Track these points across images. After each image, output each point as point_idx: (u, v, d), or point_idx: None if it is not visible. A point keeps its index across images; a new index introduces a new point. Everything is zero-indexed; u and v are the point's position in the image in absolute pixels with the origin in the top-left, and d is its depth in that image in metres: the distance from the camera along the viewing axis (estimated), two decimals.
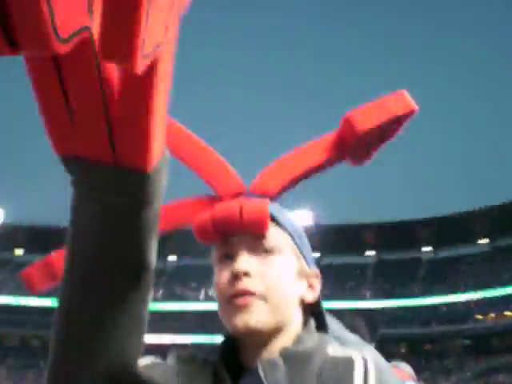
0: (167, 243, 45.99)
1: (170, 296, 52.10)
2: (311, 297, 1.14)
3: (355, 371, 0.99)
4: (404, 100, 1.20)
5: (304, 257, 1.15)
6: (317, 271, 1.17)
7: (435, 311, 49.21)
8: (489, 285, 47.39)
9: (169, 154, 0.81)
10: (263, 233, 1.09)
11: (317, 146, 1.20)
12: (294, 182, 1.20)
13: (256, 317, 1.04)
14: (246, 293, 1.05)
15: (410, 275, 53.08)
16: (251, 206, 1.09)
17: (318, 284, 1.16)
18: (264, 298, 1.05)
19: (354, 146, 1.19)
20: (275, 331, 1.07)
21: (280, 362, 1.03)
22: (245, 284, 1.05)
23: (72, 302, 0.86)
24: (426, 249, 56.90)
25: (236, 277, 1.06)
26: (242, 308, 1.04)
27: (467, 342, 46.47)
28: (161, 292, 51.98)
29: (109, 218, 0.78)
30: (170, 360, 1.13)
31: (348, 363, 1.00)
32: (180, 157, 1.21)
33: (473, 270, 50.82)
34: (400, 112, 1.18)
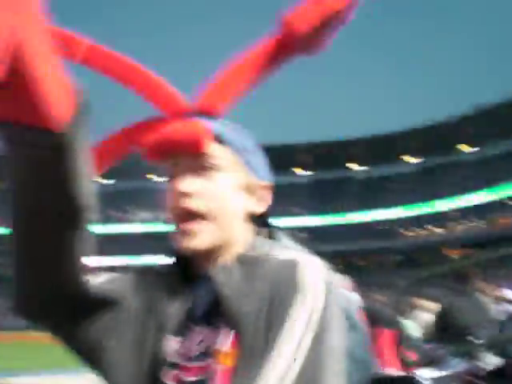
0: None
1: (106, 219, 52.03)
2: (258, 208, 1.18)
3: (302, 272, 1.03)
4: None
5: (254, 171, 1.17)
6: (267, 183, 1.19)
7: (368, 228, 51.06)
8: (418, 202, 49.40)
9: (85, 108, 0.90)
10: (203, 152, 1.11)
11: (258, 54, 1.15)
12: (240, 95, 1.17)
13: (200, 239, 1.09)
14: (188, 212, 1.09)
15: (342, 193, 54.56)
16: (188, 127, 1.11)
17: (267, 196, 1.19)
18: (207, 218, 1.10)
19: (298, 45, 1.15)
20: (224, 245, 1.12)
21: (234, 265, 1.10)
22: (186, 204, 1.09)
23: (22, 237, 0.99)
24: (358, 168, 58.39)
25: (178, 197, 1.10)
26: (185, 233, 1.09)
27: (399, 257, 48.67)
28: (97, 215, 51.44)
29: (36, 170, 0.90)
30: (129, 273, 1.21)
31: (294, 265, 1.05)
32: (126, 84, 1.20)
33: (403, 187, 52.60)
34: (338, 8, 1.10)
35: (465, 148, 55.07)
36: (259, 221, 1.20)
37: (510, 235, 36.54)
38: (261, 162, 1.21)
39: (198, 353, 1.08)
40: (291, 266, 1.05)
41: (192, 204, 1.09)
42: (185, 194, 1.10)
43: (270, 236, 1.20)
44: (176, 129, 1.11)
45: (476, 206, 47.49)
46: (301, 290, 1.02)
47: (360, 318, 1.34)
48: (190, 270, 1.17)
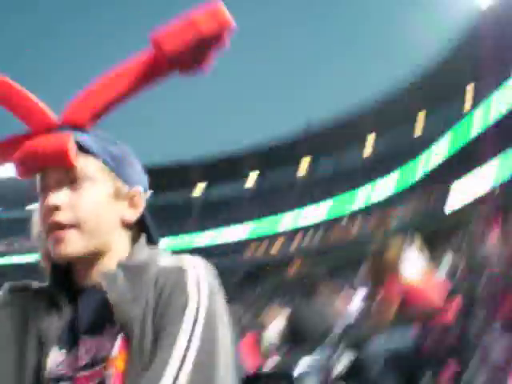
0: None
1: None
2: (133, 215, 1.20)
3: (188, 277, 1.08)
4: (217, 16, 1.09)
5: (124, 178, 1.18)
6: (139, 189, 1.20)
7: (211, 248, 51.20)
8: (256, 218, 50.54)
9: None
10: (68, 164, 1.11)
11: (129, 69, 1.14)
12: (106, 109, 1.16)
13: (69, 246, 1.11)
14: (58, 225, 1.10)
15: (183, 214, 54.41)
16: (52, 141, 1.11)
17: (140, 201, 1.20)
18: (76, 227, 1.11)
19: (170, 64, 1.14)
20: (98, 253, 1.14)
21: (120, 273, 1.11)
22: (56, 217, 1.10)
23: None
24: (198, 188, 58.43)
25: (47, 211, 1.11)
26: (56, 241, 1.11)
27: (243, 272, 49.40)
28: None
29: None
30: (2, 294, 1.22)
31: (180, 270, 1.10)
32: None
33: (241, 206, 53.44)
34: (212, 32, 1.09)
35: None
36: (137, 227, 1.22)
37: (346, 244, 38.31)
38: (133, 168, 1.22)
39: (85, 362, 1.09)
40: (176, 271, 1.10)
41: (61, 217, 1.11)
42: (54, 208, 1.11)
43: (149, 240, 1.22)
44: (40, 142, 1.11)
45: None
46: (186, 293, 1.06)
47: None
48: (70, 283, 1.18)
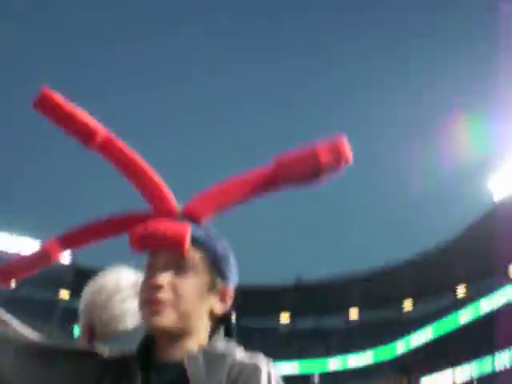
0: None
1: None
2: (220, 309, 1.35)
3: (261, 376, 1.20)
4: (337, 152, 1.23)
5: (221, 274, 1.35)
6: (231, 286, 1.36)
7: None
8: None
9: None
10: (181, 252, 1.26)
11: (250, 179, 1.31)
12: (223, 209, 1.33)
13: (162, 319, 1.25)
14: (157, 301, 1.26)
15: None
16: (173, 228, 1.26)
17: (229, 297, 1.35)
18: (172, 306, 1.26)
19: (285, 184, 1.30)
20: (183, 334, 1.28)
21: (200, 357, 1.25)
22: (158, 295, 1.26)
23: None
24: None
25: (150, 288, 1.27)
26: (153, 312, 1.26)
27: None
28: None
29: None
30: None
31: (255, 368, 1.22)
32: (125, 176, 1.34)
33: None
34: (331, 165, 1.23)
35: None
36: (221, 320, 1.36)
37: None
38: (229, 266, 1.37)
39: None
40: (252, 369, 1.21)
41: (162, 295, 1.26)
42: (157, 286, 1.26)
43: (228, 331, 1.36)
44: (162, 226, 1.26)
45: None
46: None
47: None
48: (148, 359, 1.31)
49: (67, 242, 1.39)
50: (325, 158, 1.21)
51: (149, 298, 1.27)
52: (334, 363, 53.75)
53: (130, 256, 1.90)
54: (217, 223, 1.40)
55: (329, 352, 56.33)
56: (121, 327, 1.86)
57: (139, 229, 1.28)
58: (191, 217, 1.31)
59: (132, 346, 1.60)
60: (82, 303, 1.96)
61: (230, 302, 1.35)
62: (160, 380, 1.25)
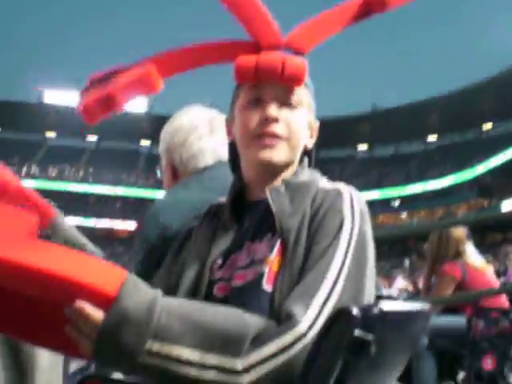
0: None
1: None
2: (311, 144, 1.38)
3: (344, 200, 1.20)
4: None
5: (313, 112, 1.36)
6: (317, 124, 1.38)
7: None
8: None
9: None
10: (295, 87, 1.26)
11: (346, 10, 1.32)
12: (324, 40, 1.32)
13: (279, 154, 1.26)
14: (274, 135, 1.25)
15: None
16: (293, 62, 1.23)
17: (316, 134, 1.39)
18: (286, 141, 1.26)
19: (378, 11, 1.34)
20: (285, 166, 1.29)
21: (283, 189, 1.26)
22: (273, 128, 1.25)
23: None
24: None
25: (267, 120, 1.25)
26: (269, 146, 1.25)
27: None
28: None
29: None
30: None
31: (338, 193, 1.21)
32: (227, 4, 1.30)
33: None
34: None
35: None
36: (305, 153, 1.38)
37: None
38: (315, 103, 1.37)
39: (246, 262, 1.22)
40: (335, 194, 1.21)
41: (277, 129, 1.25)
42: (272, 119, 1.25)
43: (310, 164, 1.39)
44: (280, 59, 1.23)
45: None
46: (341, 214, 1.17)
47: None
48: (242, 201, 1.35)
49: (165, 65, 1.32)
50: None
51: (263, 131, 1.25)
52: (414, 188, 54.24)
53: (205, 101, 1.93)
54: None
55: (408, 177, 56.72)
56: (201, 164, 1.92)
57: (249, 59, 1.25)
58: (296, 49, 1.29)
59: (215, 182, 1.68)
60: (162, 145, 2.03)
61: (316, 137, 1.39)
62: (252, 218, 1.30)
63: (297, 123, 1.28)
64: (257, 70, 1.24)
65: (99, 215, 54.71)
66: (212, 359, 0.96)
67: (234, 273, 1.23)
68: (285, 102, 1.27)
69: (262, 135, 1.25)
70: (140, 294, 0.98)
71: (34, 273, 0.93)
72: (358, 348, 0.87)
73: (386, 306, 0.92)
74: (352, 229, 1.15)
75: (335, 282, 1.07)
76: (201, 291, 1.26)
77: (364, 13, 1.34)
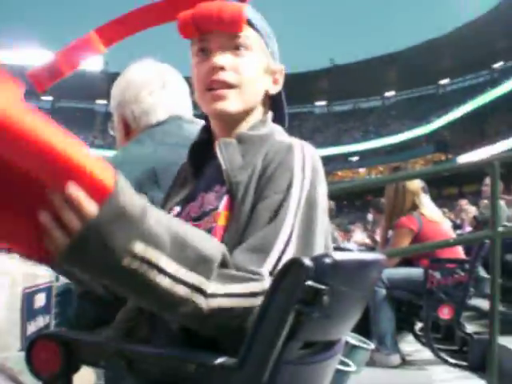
0: None
1: None
2: (274, 90, 1.33)
3: (295, 155, 1.15)
4: None
5: (272, 55, 1.31)
6: (282, 67, 1.34)
7: None
8: None
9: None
10: (238, 32, 1.23)
11: None
12: None
13: (232, 103, 1.23)
14: (223, 83, 1.22)
15: None
16: (229, 7, 1.22)
17: (281, 79, 1.33)
18: (237, 88, 1.23)
19: None
20: (242, 116, 1.26)
21: (234, 142, 1.23)
22: (221, 76, 1.22)
23: None
24: None
25: (213, 69, 1.22)
26: (220, 97, 1.22)
27: None
28: None
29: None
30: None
31: (289, 148, 1.16)
32: None
33: None
34: None
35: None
36: (268, 106, 1.34)
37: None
38: (275, 46, 1.34)
39: (198, 213, 1.21)
40: (286, 149, 1.16)
41: (225, 76, 1.22)
42: (219, 68, 1.22)
43: (279, 116, 1.34)
44: (215, 7, 1.21)
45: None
46: (291, 170, 1.12)
47: None
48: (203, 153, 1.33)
49: (108, 32, 1.32)
50: None
51: (211, 81, 1.23)
52: (372, 143, 54.88)
53: (165, 59, 1.87)
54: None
55: (366, 132, 57.31)
56: (153, 119, 1.89)
57: (187, 13, 1.23)
58: None
59: (168, 137, 1.65)
60: (113, 101, 1.98)
61: (281, 83, 1.34)
62: (209, 169, 1.29)
63: (247, 68, 1.25)
64: (194, 21, 1.22)
65: None
66: (185, 275, 0.94)
67: (187, 223, 1.20)
68: (230, 48, 1.24)
69: (212, 86, 1.23)
70: (133, 193, 0.92)
71: (35, 140, 0.80)
72: (311, 298, 0.86)
73: (339, 255, 0.91)
74: (302, 185, 1.12)
75: (288, 240, 1.05)
76: None
77: None
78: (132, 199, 0.90)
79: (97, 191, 0.86)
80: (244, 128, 1.27)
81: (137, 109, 1.90)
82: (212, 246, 1.00)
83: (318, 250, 1.09)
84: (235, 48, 1.24)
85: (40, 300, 2.27)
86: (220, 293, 0.96)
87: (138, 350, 1.00)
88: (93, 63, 57.05)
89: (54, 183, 0.85)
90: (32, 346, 1.02)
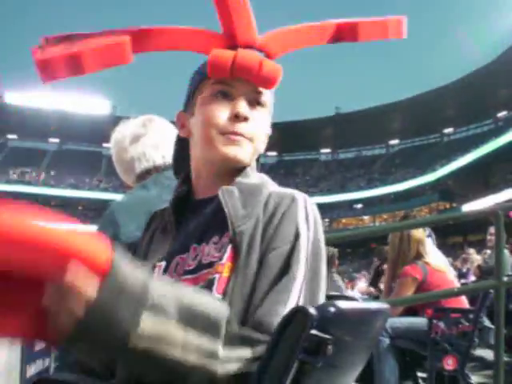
0: None
1: None
2: (263, 150, 1.34)
3: (299, 206, 1.15)
4: (400, 27, 1.40)
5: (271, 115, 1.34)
6: (270, 131, 1.35)
7: None
8: None
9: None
10: (268, 89, 1.25)
11: (320, 29, 1.34)
12: (294, 49, 1.33)
13: (244, 152, 1.23)
14: (242, 134, 1.22)
15: None
16: (271, 64, 1.22)
17: (266, 141, 1.34)
18: (251, 142, 1.24)
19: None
20: (241, 169, 1.26)
21: (236, 190, 1.21)
22: (243, 127, 1.22)
23: None
24: None
25: (237, 117, 1.21)
26: (236, 144, 1.22)
27: None
28: None
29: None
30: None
31: (292, 199, 1.17)
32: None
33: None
34: (392, 36, 1.39)
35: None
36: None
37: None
38: None
39: (193, 266, 1.17)
40: (289, 200, 1.16)
41: (246, 129, 1.22)
42: (243, 118, 1.21)
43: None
44: (257, 59, 1.21)
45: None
46: (296, 221, 1.13)
47: None
48: (186, 203, 1.31)
49: (139, 40, 1.25)
50: (391, 29, 1.40)
51: (232, 129, 1.22)
52: (376, 191, 54.92)
53: (169, 104, 1.89)
54: None
55: (371, 180, 57.40)
56: (133, 174, 2.00)
57: (226, 54, 1.21)
58: (268, 52, 1.27)
59: (174, 181, 1.68)
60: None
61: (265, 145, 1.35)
62: (199, 219, 1.25)
63: (262, 125, 1.27)
64: (233, 66, 1.20)
65: None
66: (196, 341, 0.91)
67: (182, 277, 1.19)
68: (253, 101, 1.25)
69: (229, 133, 1.21)
70: (133, 267, 0.89)
71: (25, 238, 0.78)
72: (315, 348, 0.86)
73: (343, 304, 0.91)
74: (308, 236, 1.13)
75: (300, 293, 1.05)
76: None
77: (337, 37, 1.37)
78: (132, 274, 0.88)
79: (95, 271, 0.84)
80: (236, 179, 1.25)
81: (121, 168, 2.06)
82: (218, 306, 0.98)
83: (322, 298, 1.10)
84: (258, 102, 1.25)
85: (40, 342, 2.25)
86: (233, 356, 0.94)
87: None
88: (100, 107, 57.81)
89: (53, 275, 0.83)
90: None
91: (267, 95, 1.27)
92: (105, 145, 63.00)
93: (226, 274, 1.11)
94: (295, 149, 62.82)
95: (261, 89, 1.25)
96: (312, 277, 1.10)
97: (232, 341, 0.95)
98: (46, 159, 61.30)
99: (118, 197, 2.09)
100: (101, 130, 56.67)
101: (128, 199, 1.84)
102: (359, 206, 56.51)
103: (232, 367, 0.94)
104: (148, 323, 0.86)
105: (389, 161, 60.34)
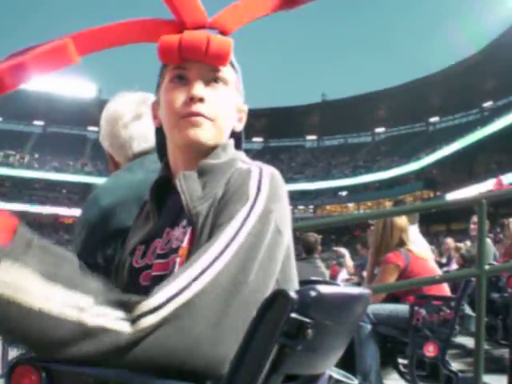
0: None
1: None
2: (239, 127, 1.35)
3: (251, 178, 1.12)
4: None
5: (241, 94, 1.33)
6: (246, 107, 1.36)
7: None
8: None
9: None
10: (222, 66, 1.23)
11: None
12: (249, 22, 1.30)
13: (205, 133, 1.21)
14: (199, 115, 1.20)
15: None
16: (218, 40, 1.21)
17: (245, 118, 1.36)
18: (212, 121, 1.22)
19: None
20: (209, 150, 1.24)
21: (194, 174, 1.20)
22: (199, 108, 1.20)
23: None
24: None
25: (192, 100, 1.20)
26: (195, 125, 1.21)
27: None
28: None
29: None
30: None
31: (247, 173, 1.14)
32: None
33: None
34: None
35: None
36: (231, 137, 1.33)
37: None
38: (243, 87, 1.35)
39: (165, 250, 1.19)
40: (245, 174, 1.14)
41: (203, 109, 1.21)
42: (198, 99, 1.20)
43: (237, 147, 1.34)
44: (204, 37, 1.20)
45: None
46: (247, 194, 1.09)
47: None
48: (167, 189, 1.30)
49: (84, 41, 1.23)
50: None
51: (188, 112, 1.21)
52: (362, 178, 55.14)
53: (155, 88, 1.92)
54: (240, 46, 1.38)
55: (356, 168, 57.62)
56: (129, 153, 1.93)
57: (172, 38, 1.21)
58: (221, 29, 1.26)
59: (157, 166, 1.67)
60: (100, 135, 2.03)
61: (244, 123, 1.36)
62: (173, 205, 1.25)
63: (223, 103, 1.25)
64: (180, 48, 1.20)
65: (45, 202, 53.75)
66: (62, 292, 0.86)
67: (154, 261, 1.21)
68: (210, 80, 1.24)
69: (187, 115, 1.21)
70: (32, 233, 0.88)
71: None
72: (295, 331, 0.86)
73: (324, 289, 0.91)
74: (252, 207, 1.06)
75: (215, 259, 0.97)
76: (123, 278, 1.27)
77: (288, 1, 1.33)
78: (22, 233, 0.87)
79: None
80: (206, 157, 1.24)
81: (114, 143, 1.95)
82: (93, 282, 0.91)
83: (260, 265, 1.01)
84: (214, 81, 1.24)
85: None
86: (106, 313, 0.88)
87: (121, 378, 0.99)
88: (86, 90, 57.30)
89: None
90: (12, 372, 1.00)
91: (226, 72, 1.26)
92: (90, 128, 62.67)
93: (184, 255, 1.11)
94: (281, 135, 62.90)
95: (218, 67, 1.24)
96: (247, 253, 1.00)
97: (108, 303, 0.89)
98: (31, 142, 60.84)
99: (102, 181, 2.05)
100: (86, 113, 56.39)
101: (113, 182, 1.82)
102: (344, 193, 56.78)
103: (105, 322, 0.86)
104: (6, 264, 0.83)
105: (374, 149, 60.57)
